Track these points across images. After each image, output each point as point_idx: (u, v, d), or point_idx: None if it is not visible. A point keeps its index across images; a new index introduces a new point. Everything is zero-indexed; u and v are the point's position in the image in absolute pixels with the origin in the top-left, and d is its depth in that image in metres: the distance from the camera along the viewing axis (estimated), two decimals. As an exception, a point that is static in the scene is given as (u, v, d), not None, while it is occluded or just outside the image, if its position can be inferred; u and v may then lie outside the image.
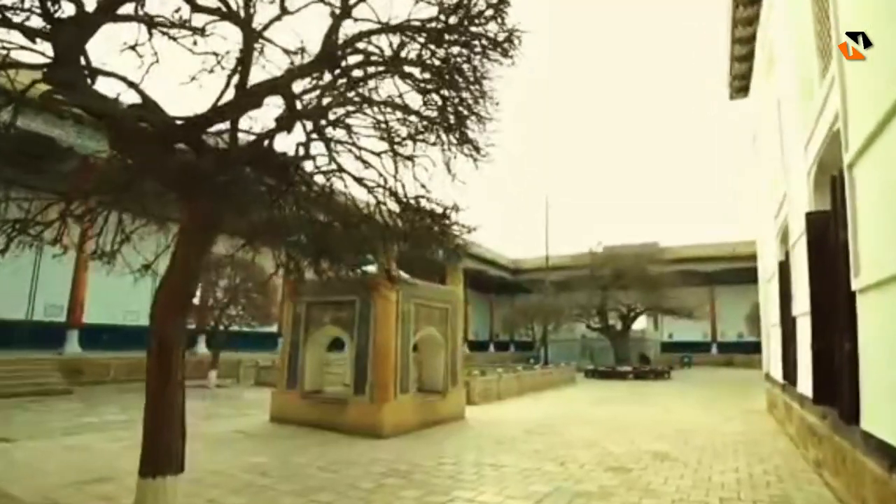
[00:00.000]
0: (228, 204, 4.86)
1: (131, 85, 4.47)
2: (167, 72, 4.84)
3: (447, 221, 6.10)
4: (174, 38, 4.67)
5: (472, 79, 5.00)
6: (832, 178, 4.74)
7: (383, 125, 5.99)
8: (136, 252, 6.63)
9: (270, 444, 8.10)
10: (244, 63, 3.99)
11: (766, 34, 9.65)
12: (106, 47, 4.70)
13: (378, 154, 6.21)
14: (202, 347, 18.91)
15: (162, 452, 4.06)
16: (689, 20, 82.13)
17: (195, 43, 4.71)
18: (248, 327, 16.67)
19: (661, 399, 15.16)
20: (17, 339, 15.94)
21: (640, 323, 35.46)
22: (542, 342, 28.54)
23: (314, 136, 5.70)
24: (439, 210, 6.16)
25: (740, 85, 12.70)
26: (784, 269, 8.79)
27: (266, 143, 5.62)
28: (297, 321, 10.22)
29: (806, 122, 6.23)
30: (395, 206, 6.24)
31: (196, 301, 16.58)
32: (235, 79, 4.09)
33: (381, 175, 6.06)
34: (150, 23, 4.55)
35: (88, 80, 4.45)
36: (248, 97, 4.06)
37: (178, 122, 4.20)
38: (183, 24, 4.50)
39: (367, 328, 9.20)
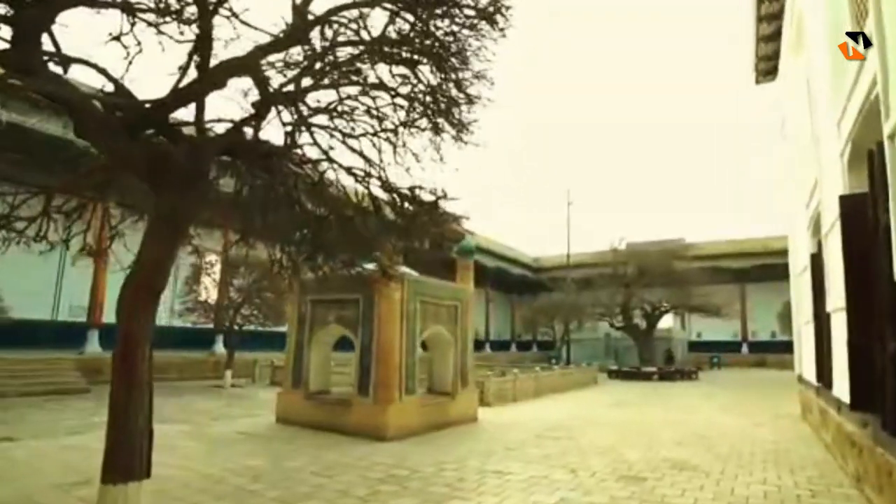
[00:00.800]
0: (200, 195, 4.57)
1: (101, 71, 4.24)
2: (157, 65, 4.60)
3: (438, 209, 5.73)
4: (152, 25, 4.42)
5: (460, 55, 4.61)
6: (869, 154, 4.17)
7: (374, 110, 5.66)
8: (125, 249, 6.51)
9: (270, 446, 7.86)
10: (203, 39, 3.68)
11: (795, 6, 8.94)
12: (90, 38, 4.47)
13: (368, 136, 5.89)
14: (220, 347, 18.96)
15: (125, 458, 3.79)
16: (712, 9, 79.62)
17: (182, 33, 4.45)
18: (261, 327, 16.61)
19: (686, 401, 14.43)
20: (43, 338, 16.21)
21: (667, 322, 34.45)
22: (562, 342, 27.87)
23: (298, 122, 5.41)
24: (431, 198, 5.81)
25: (767, 67, 11.92)
26: (816, 261, 8.11)
27: (256, 133, 5.37)
28: (302, 320, 9.98)
29: (838, 96, 5.62)
30: (383, 195, 5.91)
31: (213, 301, 16.63)
32: (196, 59, 3.79)
33: (369, 163, 5.74)
34: (126, 7, 4.29)
35: (55, 67, 4.24)
36: (210, 77, 3.75)
37: (142, 106, 3.93)
38: (158, 9, 4.23)
39: (371, 327, 8.89)
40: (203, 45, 3.69)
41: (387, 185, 5.83)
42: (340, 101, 5.67)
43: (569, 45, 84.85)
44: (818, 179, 7.39)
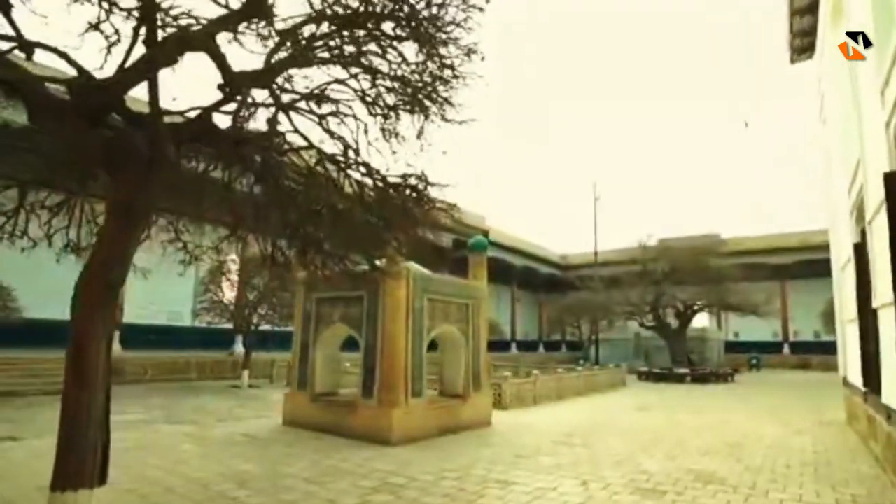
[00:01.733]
0: (161, 184, 4.27)
1: (62, 55, 3.98)
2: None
3: (425, 196, 5.30)
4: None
5: (441, 26, 4.17)
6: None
7: (360, 93, 5.27)
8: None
9: (269, 449, 7.59)
10: (147, 9, 3.36)
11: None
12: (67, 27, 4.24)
13: (357, 121, 5.51)
14: (240, 347, 19.03)
15: (75, 464, 3.50)
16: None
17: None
18: (278, 327, 16.52)
19: (719, 405, 13.54)
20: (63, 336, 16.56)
21: (702, 321, 33.01)
22: (589, 342, 26.96)
23: (276, 106, 5.07)
24: (421, 186, 5.39)
25: (803, 44, 10.99)
26: (860, 252, 7.29)
27: (236, 118, 5.05)
28: (307, 319, 9.71)
29: (882, 61, 4.92)
30: (372, 185, 5.52)
31: (232, 300, 16.63)
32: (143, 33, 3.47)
33: (356, 152, 5.36)
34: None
35: (25, 54, 4.02)
36: (160, 52, 3.43)
37: (90, 85, 3.64)
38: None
39: (375, 326, 8.53)
40: (148, 15, 3.37)
41: (374, 174, 5.45)
42: (327, 85, 5.31)
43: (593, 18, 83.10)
44: (861, 159, 6.61)
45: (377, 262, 6.25)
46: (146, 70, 3.49)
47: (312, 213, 5.67)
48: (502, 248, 35.01)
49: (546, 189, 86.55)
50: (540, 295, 42.72)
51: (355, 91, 5.26)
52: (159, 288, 15.31)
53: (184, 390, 14.68)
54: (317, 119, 4.80)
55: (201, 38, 3.48)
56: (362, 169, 5.54)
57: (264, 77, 4.12)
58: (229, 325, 17.34)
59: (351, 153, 5.35)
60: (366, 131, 5.68)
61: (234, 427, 9.37)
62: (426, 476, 6.20)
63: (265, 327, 16.45)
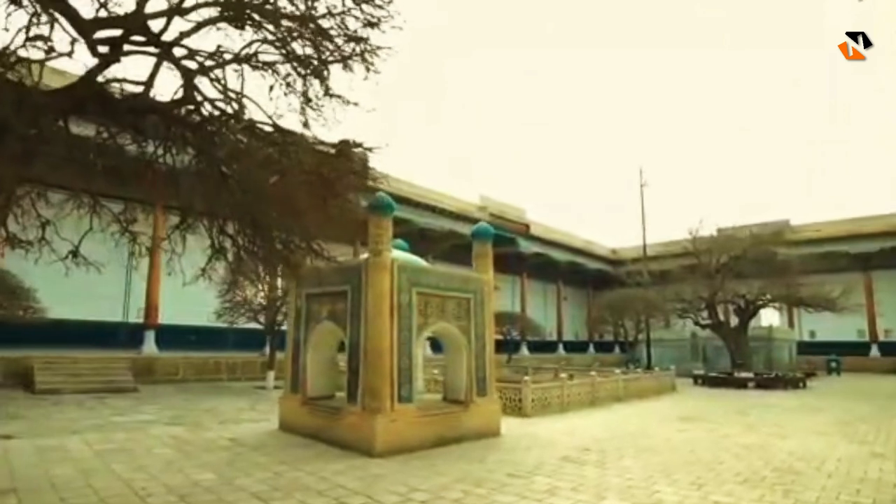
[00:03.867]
0: (32, 156, 3.58)
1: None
2: None
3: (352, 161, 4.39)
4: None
5: None
6: None
7: (276, 44, 4.42)
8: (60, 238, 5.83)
9: (242, 457, 6.97)
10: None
11: None
12: None
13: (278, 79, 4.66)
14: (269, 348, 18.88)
15: None
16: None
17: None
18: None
19: (780, 417, 11.66)
20: (114, 339, 16.88)
21: (771, 319, 29.96)
22: (636, 342, 24.95)
23: (184, 71, 4.31)
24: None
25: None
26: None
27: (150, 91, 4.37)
28: (298, 316, 9.05)
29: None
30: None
31: (254, 299, 16.38)
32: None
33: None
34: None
35: None
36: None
37: None
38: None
39: (359, 323, 7.69)
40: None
41: (299, 141, 4.58)
42: (253, 50, 4.51)
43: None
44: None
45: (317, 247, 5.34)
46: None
47: (255, 191, 4.89)
48: (544, 242, 33.42)
49: (591, 178, 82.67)
50: (589, 292, 40.54)
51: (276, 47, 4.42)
52: (192, 287, 15.33)
53: (209, 391, 14.55)
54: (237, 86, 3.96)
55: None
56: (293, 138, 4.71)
57: (124, 22, 3.33)
58: (260, 326, 17.15)
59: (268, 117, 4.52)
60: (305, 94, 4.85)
61: (228, 430, 8.86)
62: (389, 498, 5.30)
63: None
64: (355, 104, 4.70)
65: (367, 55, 4.44)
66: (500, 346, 28.50)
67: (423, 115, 78.50)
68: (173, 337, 16.75)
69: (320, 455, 7.22)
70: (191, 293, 15.83)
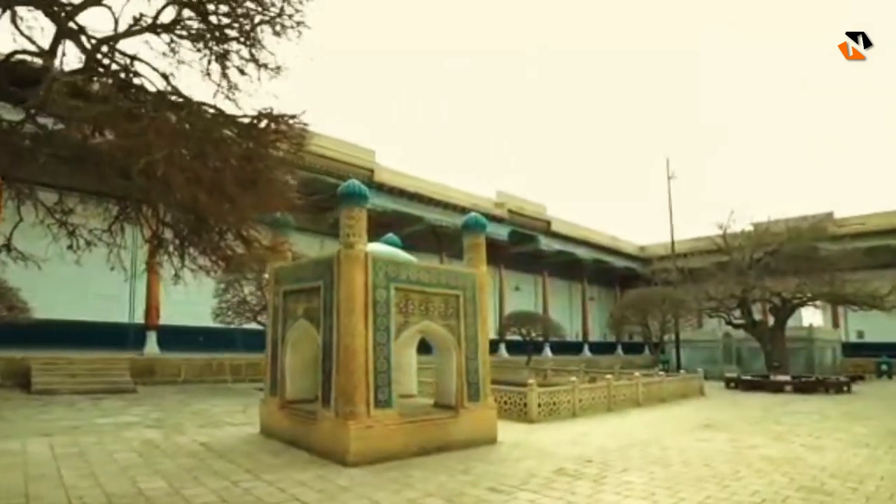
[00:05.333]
0: None
1: None
2: None
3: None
4: None
5: None
6: None
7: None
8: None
9: (205, 464, 6.50)
10: None
11: None
12: None
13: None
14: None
15: None
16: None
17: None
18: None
19: (816, 426, 10.46)
20: (119, 340, 16.82)
21: (813, 318, 28.01)
22: (661, 343, 23.58)
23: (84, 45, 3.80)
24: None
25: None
26: None
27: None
28: (276, 314, 8.53)
29: None
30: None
31: (253, 298, 16.03)
32: None
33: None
34: None
35: None
36: None
37: None
38: None
39: (332, 321, 7.09)
40: None
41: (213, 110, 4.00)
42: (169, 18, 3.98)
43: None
44: None
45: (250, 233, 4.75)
46: None
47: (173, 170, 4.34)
48: (567, 239, 32.27)
49: (616, 173, 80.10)
50: (616, 292, 39.02)
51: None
52: (193, 287, 15.16)
53: (209, 392, 14.28)
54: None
55: None
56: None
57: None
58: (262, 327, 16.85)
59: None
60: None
61: (205, 434, 8.42)
62: (339, 519, 4.65)
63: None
64: (276, 68, 4.10)
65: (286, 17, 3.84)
66: (520, 348, 27.70)
67: (438, 110, 77.69)
68: (177, 338, 16.59)
69: (291, 463, 6.66)
70: (193, 293, 15.70)
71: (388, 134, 69.50)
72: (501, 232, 28.23)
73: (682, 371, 18.57)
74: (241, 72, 4.55)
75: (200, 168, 4.00)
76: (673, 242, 24.41)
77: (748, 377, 18.90)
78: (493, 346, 28.43)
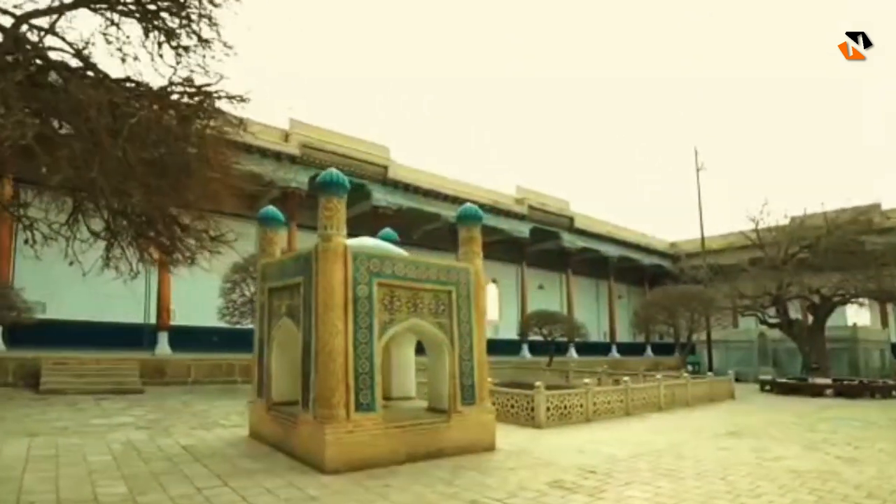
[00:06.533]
0: None
1: None
2: None
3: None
4: None
5: None
6: None
7: None
8: None
9: (177, 468, 6.18)
10: None
11: None
12: None
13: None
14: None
15: None
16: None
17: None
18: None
19: (857, 434, 9.45)
20: (134, 340, 16.92)
21: (859, 317, 26.18)
22: (689, 343, 22.36)
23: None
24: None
25: None
26: None
27: None
28: (262, 312, 8.20)
29: None
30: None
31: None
32: None
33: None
34: None
35: None
36: None
37: None
38: None
39: (311, 319, 6.67)
40: None
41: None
42: None
43: None
44: None
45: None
46: None
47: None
48: (592, 236, 31.22)
49: (642, 166, 77.58)
50: (646, 290, 37.57)
51: None
52: (206, 286, 15.10)
53: (214, 393, 14.14)
54: None
55: None
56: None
57: None
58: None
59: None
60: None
61: (194, 437, 8.14)
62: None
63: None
64: (226, 46, 3.69)
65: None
66: (541, 349, 26.84)
67: (455, 106, 76.96)
68: (189, 338, 16.57)
69: (268, 469, 6.27)
70: (206, 293, 15.63)
71: (404, 132, 69.17)
72: (522, 229, 27.50)
73: (710, 373, 17.49)
74: (183, 48, 4.14)
75: (113, 147, 3.62)
76: (703, 238, 23.19)
77: (784, 380, 17.64)
78: (516, 346, 27.65)
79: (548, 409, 10.10)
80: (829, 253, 18.16)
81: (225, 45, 4.30)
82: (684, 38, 74.21)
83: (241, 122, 4.38)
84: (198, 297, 16.00)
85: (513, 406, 10.43)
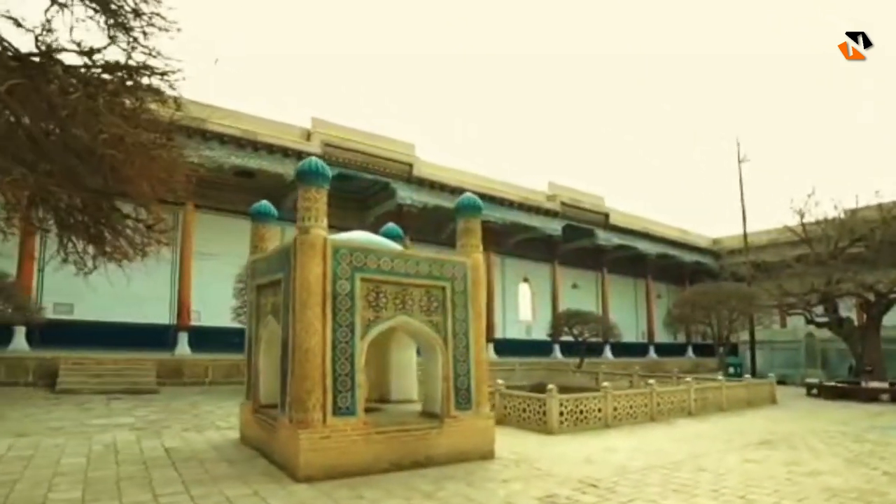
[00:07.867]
0: None
1: None
2: None
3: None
4: None
5: None
6: None
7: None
8: None
9: (148, 472, 5.94)
10: None
11: None
12: None
13: None
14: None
15: None
16: None
17: None
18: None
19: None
20: (160, 340, 17.10)
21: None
22: (726, 343, 20.92)
23: None
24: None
25: None
26: None
27: None
28: (251, 310, 7.91)
29: None
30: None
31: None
32: None
33: None
34: None
35: None
36: None
37: None
38: None
39: (289, 316, 6.30)
40: None
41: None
42: None
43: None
44: None
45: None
46: None
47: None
48: (628, 233, 29.91)
49: (682, 159, 74.14)
50: (686, 288, 35.78)
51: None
52: (227, 287, 15.14)
53: (228, 393, 14.02)
54: None
55: None
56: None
57: None
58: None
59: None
60: None
61: (184, 438, 7.94)
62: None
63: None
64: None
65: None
66: (574, 349, 25.84)
67: (484, 101, 75.90)
68: (210, 338, 16.64)
69: (240, 475, 5.93)
70: (227, 293, 15.64)
71: (430, 128, 68.70)
72: (555, 227, 26.58)
73: (746, 375, 16.22)
74: (125, 28, 3.81)
75: (36, 129, 3.32)
76: (745, 233, 21.72)
77: (833, 383, 16.16)
78: (547, 347, 26.74)
79: (561, 413, 9.41)
80: (885, 246, 16.55)
81: (165, 20, 3.97)
82: (725, 8, 70.77)
83: (176, 102, 4.05)
84: (219, 297, 16.08)
85: (524, 410, 9.81)
